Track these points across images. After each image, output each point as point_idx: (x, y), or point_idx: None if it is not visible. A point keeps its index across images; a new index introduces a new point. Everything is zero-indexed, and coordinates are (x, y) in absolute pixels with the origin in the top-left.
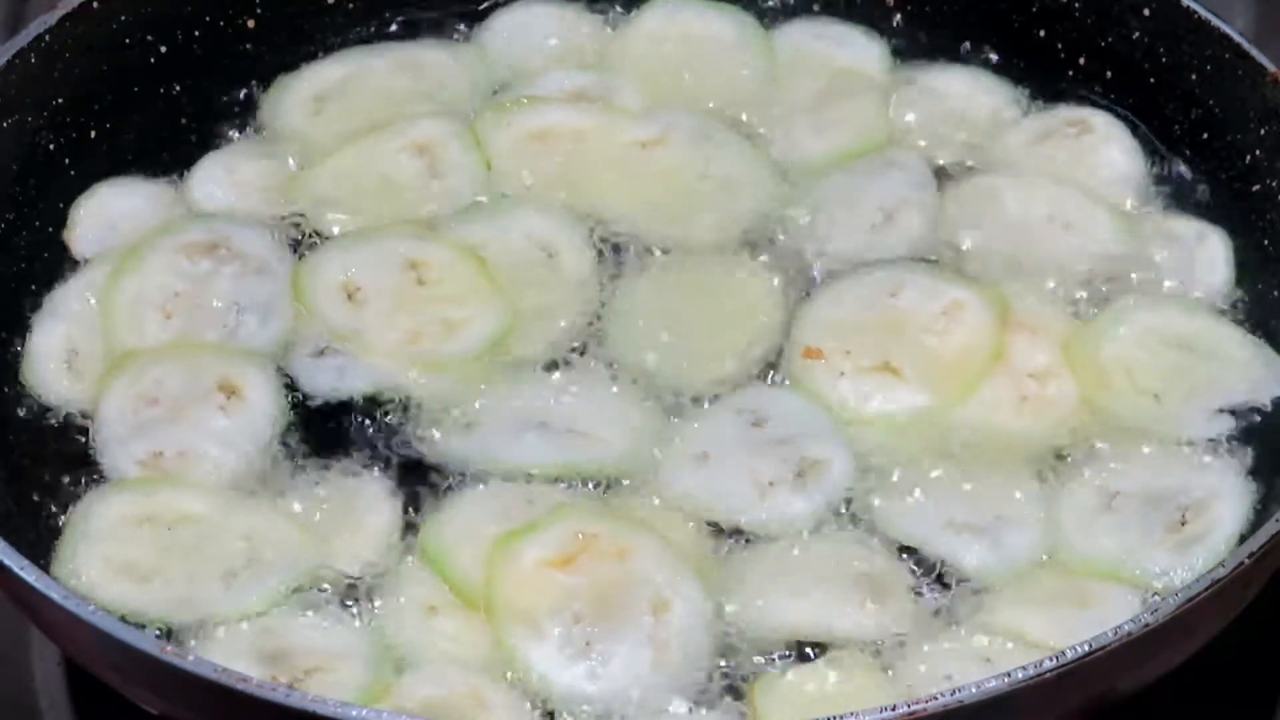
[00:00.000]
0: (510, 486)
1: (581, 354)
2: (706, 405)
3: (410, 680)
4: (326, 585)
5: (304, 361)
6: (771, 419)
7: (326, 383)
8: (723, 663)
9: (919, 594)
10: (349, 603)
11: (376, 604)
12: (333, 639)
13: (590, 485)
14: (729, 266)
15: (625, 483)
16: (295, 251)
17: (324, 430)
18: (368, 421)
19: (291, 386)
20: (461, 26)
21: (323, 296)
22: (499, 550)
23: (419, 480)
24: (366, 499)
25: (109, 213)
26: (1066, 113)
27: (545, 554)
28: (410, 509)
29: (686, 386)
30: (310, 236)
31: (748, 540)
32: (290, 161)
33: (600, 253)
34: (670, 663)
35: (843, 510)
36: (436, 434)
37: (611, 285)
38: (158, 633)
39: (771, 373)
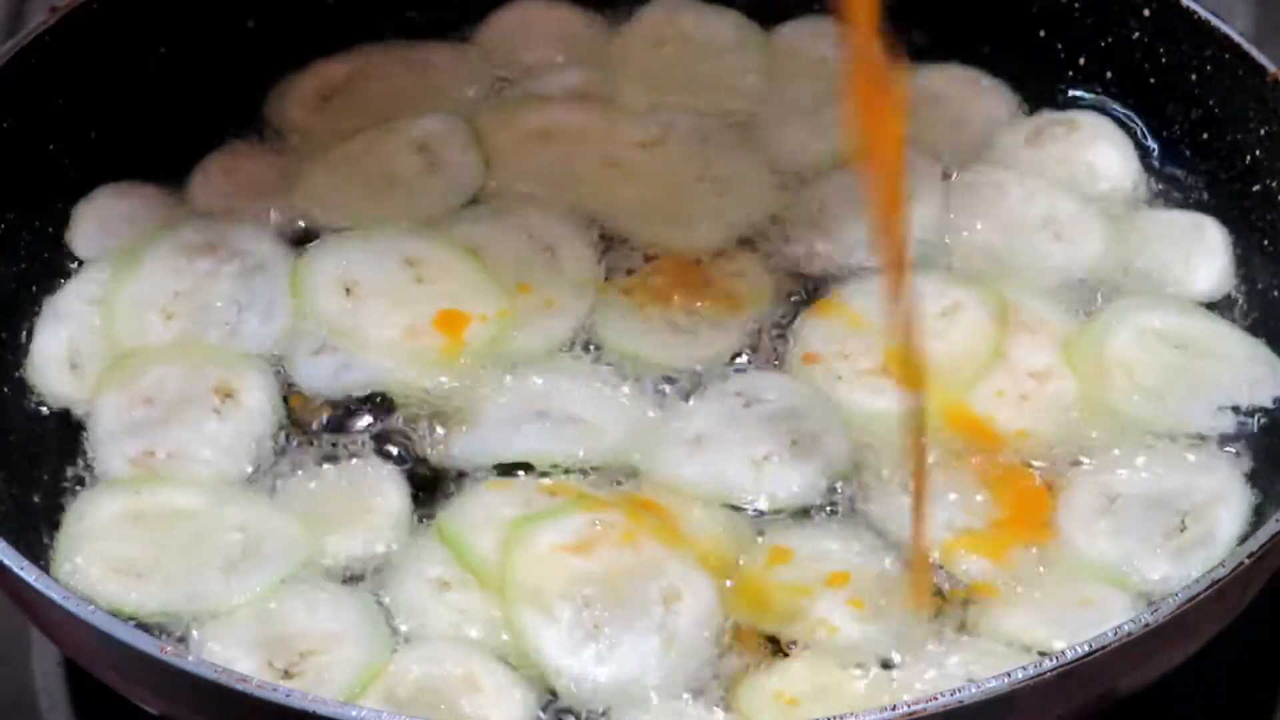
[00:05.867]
0: (531, 476)
1: (579, 347)
2: (699, 391)
3: (405, 659)
4: (324, 570)
5: (303, 359)
6: (763, 399)
7: (325, 380)
8: (724, 658)
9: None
10: (349, 585)
11: (383, 582)
12: (329, 622)
13: (597, 473)
14: (721, 259)
15: (632, 466)
16: (294, 249)
17: (324, 425)
18: (367, 416)
19: (291, 385)
20: (464, 27)
21: (321, 292)
22: (516, 532)
23: (420, 471)
24: (368, 489)
25: (108, 214)
26: (1055, 115)
27: (561, 539)
28: (414, 499)
29: (676, 366)
30: (310, 234)
31: (761, 532)
32: (290, 160)
33: (598, 251)
34: (677, 653)
35: (839, 500)
36: (436, 427)
37: (608, 281)
38: (159, 627)
39: (752, 355)
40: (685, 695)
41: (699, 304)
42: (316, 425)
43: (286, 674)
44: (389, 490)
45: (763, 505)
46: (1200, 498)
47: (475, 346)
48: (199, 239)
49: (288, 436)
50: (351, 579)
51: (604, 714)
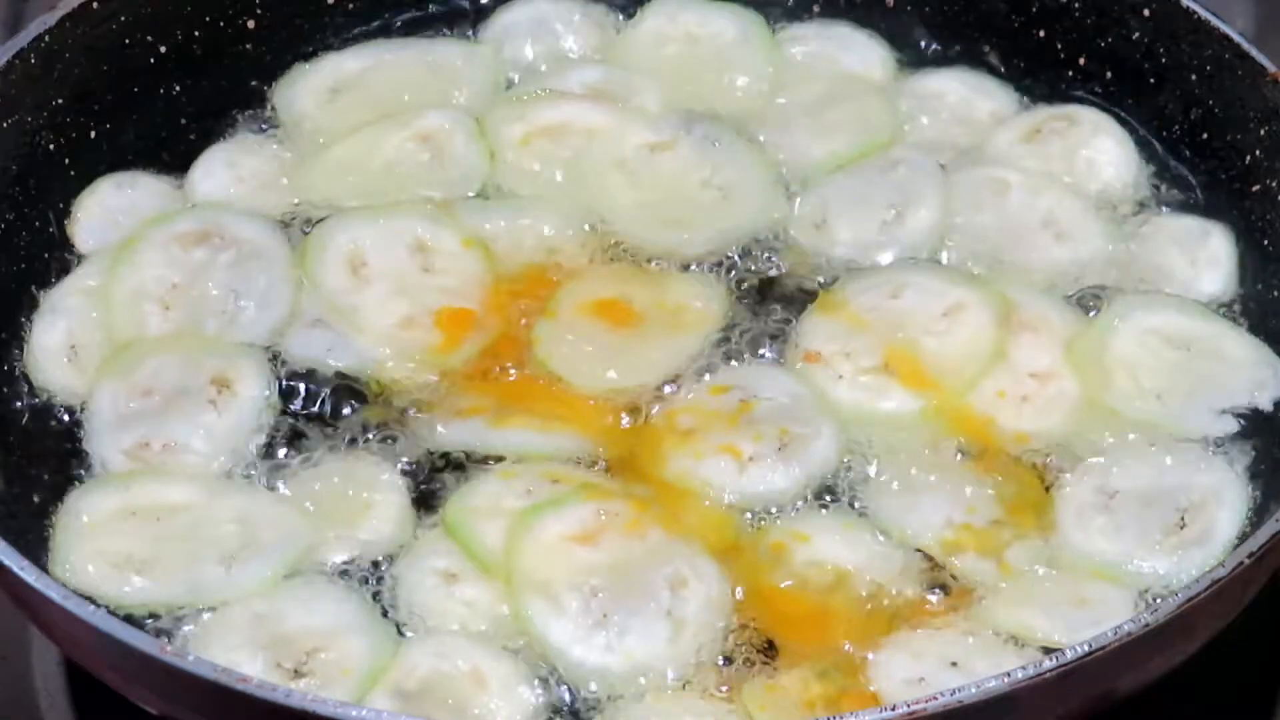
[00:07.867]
0: (534, 465)
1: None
2: (692, 383)
3: (413, 653)
4: (325, 564)
5: (296, 330)
6: (760, 396)
7: (315, 353)
8: (732, 650)
9: (921, 592)
10: (352, 579)
11: (387, 575)
12: (333, 617)
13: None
14: (680, 278)
15: (619, 457)
16: (291, 238)
17: (318, 415)
18: (364, 404)
19: (287, 377)
20: (477, 23)
21: (328, 267)
22: (521, 522)
23: (421, 461)
24: (370, 481)
25: (110, 207)
26: (1054, 109)
27: (567, 528)
28: (416, 490)
29: (625, 393)
30: (308, 223)
31: (761, 522)
32: (294, 152)
33: (600, 254)
34: (686, 639)
35: (840, 497)
36: (426, 417)
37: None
38: (161, 623)
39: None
40: (694, 684)
41: (655, 320)
42: (311, 415)
43: (297, 673)
44: (391, 481)
45: (744, 504)
46: (1199, 495)
47: (467, 355)
48: (194, 227)
49: (284, 427)
50: (355, 573)
51: (613, 703)
